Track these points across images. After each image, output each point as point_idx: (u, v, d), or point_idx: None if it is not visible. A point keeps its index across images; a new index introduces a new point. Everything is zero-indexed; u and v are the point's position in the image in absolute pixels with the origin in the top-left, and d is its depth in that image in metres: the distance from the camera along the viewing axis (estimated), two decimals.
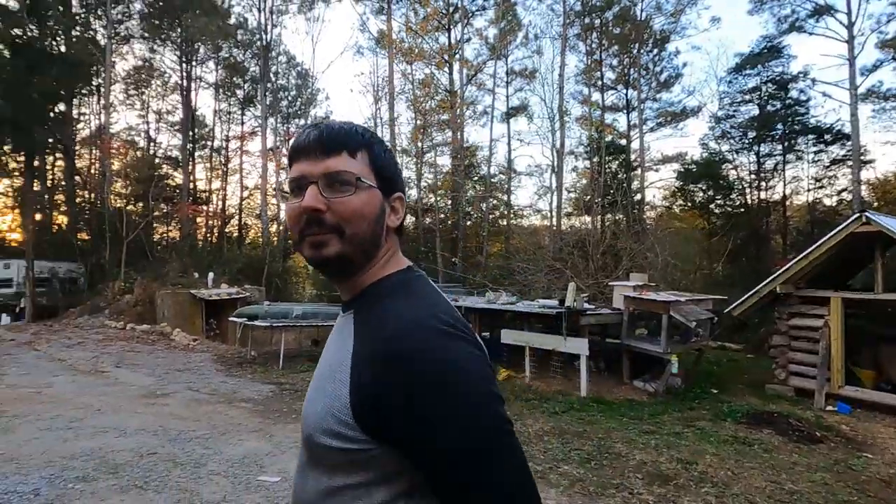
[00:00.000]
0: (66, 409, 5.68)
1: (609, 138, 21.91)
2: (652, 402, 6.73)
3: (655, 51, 22.85)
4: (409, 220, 25.92)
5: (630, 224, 14.15)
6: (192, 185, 23.88)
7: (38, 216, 22.01)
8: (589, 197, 17.22)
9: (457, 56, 22.14)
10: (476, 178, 23.97)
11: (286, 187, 0.78)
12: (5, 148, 21.62)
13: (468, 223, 22.45)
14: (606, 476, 4.10)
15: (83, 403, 5.97)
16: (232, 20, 23.96)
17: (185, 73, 24.32)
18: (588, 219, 16.31)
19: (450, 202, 21.96)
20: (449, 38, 22.76)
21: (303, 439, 0.75)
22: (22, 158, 21.61)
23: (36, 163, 21.63)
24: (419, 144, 23.11)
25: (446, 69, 22.25)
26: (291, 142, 0.80)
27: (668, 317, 6.91)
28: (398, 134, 22.93)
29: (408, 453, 0.65)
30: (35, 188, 22.45)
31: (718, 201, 20.16)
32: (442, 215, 21.61)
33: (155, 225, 22.73)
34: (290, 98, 26.61)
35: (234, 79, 26.14)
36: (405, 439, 0.65)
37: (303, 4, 24.05)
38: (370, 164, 0.77)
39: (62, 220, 25.24)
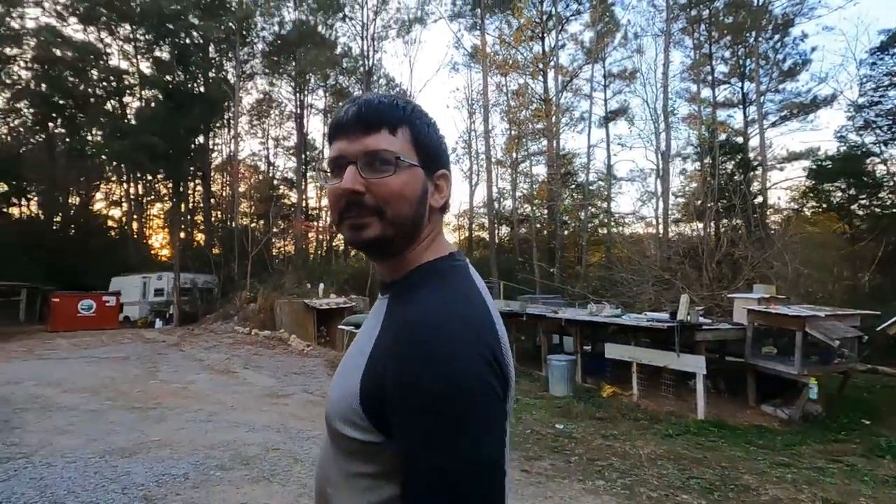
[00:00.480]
0: (205, 405, 6.45)
1: (723, 136, 20.06)
2: (785, 431, 5.95)
3: (776, 37, 20.62)
4: (505, 231, 25.93)
5: (751, 230, 12.76)
6: (304, 204, 26.12)
7: (182, 234, 25.49)
8: (701, 201, 15.85)
9: (551, 64, 21.82)
10: (573, 185, 23.29)
11: (326, 166, 0.74)
12: (159, 177, 25.43)
13: (566, 232, 21.83)
14: None
15: (218, 400, 6.74)
16: (338, 50, 26.00)
17: (298, 102, 26.83)
18: (700, 225, 15.01)
19: (546, 211, 21.54)
20: (543, 46, 22.54)
21: (326, 419, 0.73)
22: (170, 185, 25.26)
23: (180, 188, 25.14)
24: (514, 155, 23.05)
25: (540, 78, 22.03)
26: (332, 117, 0.75)
27: (803, 334, 6.09)
28: (493, 146, 23.11)
29: (395, 436, 0.63)
30: (180, 210, 26.11)
31: (862, 201, 17.43)
32: (538, 225, 21.26)
33: (273, 240, 25.12)
34: None
35: (340, 104, 28.16)
36: (395, 435, 0.62)
37: (401, 29, 25.38)
38: (412, 140, 0.72)
39: (200, 237, 28.99)
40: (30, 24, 21.06)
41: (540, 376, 8.75)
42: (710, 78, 21.61)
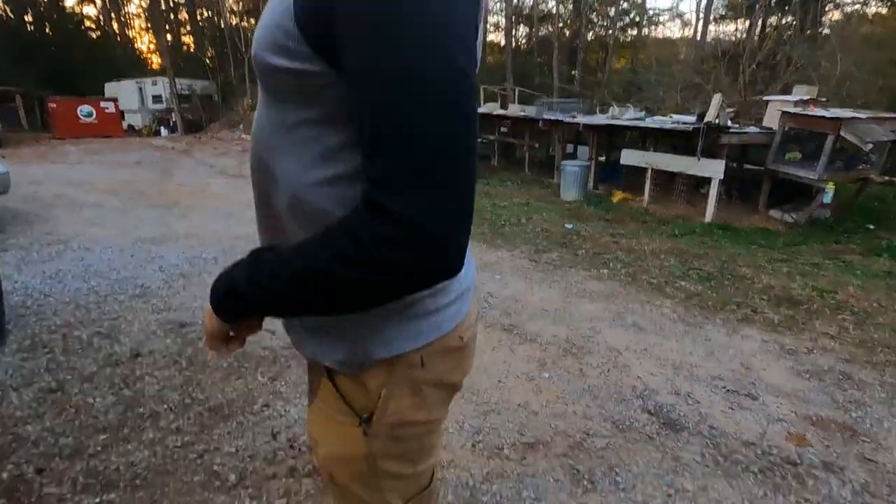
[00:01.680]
0: (224, 203, 6.63)
1: None
2: (789, 233, 6.10)
3: None
4: (523, 31, 23.21)
5: (804, 27, 11.25)
6: None
7: (168, 36, 23.27)
8: None
9: None
10: None
11: None
12: None
13: (591, 35, 19.56)
14: (727, 294, 3.95)
15: (236, 199, 6.90)
16: None
17: None
18: (746, 23, 13.23)
19: (570, 6, 18.96)
20: None
21: (254, 65, 0.60)
22: None
23: None
24: None
25: None
26: None
27: (835, 137, 5.77)
28: None
29: (343, 68, 0.50)
30: (161, 8, 23.29)
31: None
32: (560, 24, 18.92)
33: None
34: None
35: None
36: (343, 48, 0.49)
37: None
38: None
39: (188, 40, 26.57)
40: None
41: (552, 184, 8.76)
42: None
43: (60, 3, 28.83)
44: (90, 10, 30.12)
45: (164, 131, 17.46)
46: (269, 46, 0.55)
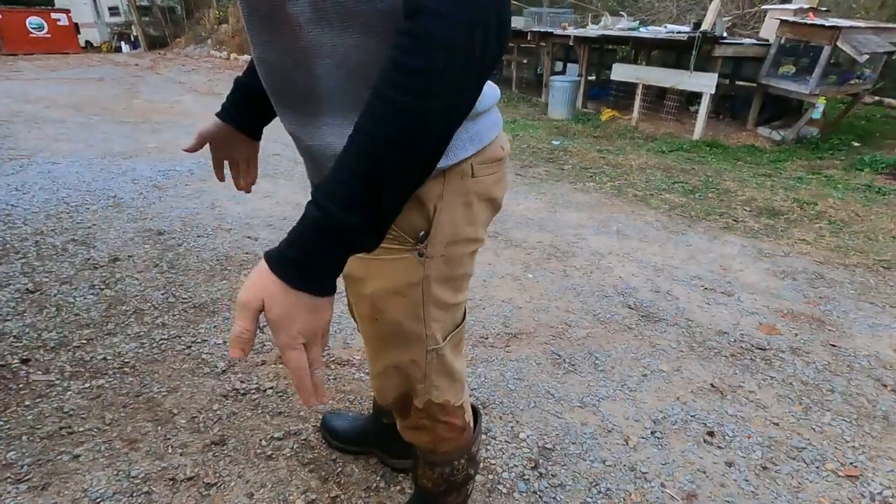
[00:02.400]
0: (196, 119, 6.30)
1: None
2: (776, 150, 6.08)
3: None
4: None
5: None
6: None
7: None
8: None
9: None
10: None
11: None
12: None
13: None
14: (711, 205, 3.98)
15: (209, 117, 6.51)
16: None
17: None
18: None
19: None
20: None
21: None
22: None
23: None
24: None
25: None
26: None
27: (832, 48, 5.60)
28: None
29: None
30: None
31: None
32: None
33: None
34: None
35: None
36: None
37: None
38: None
39: None
40: None
41: (540, 102, 8.47)
42: None
43: None
44: None
45: (125, 47, 16.20)
46: None
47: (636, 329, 2.19)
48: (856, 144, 6.42)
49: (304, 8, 0.53)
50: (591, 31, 7.21)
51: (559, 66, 9.87)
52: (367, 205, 0.48)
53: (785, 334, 2.22)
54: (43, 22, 15.11)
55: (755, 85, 6.67)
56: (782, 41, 6.20)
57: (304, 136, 0.65)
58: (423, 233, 0.65)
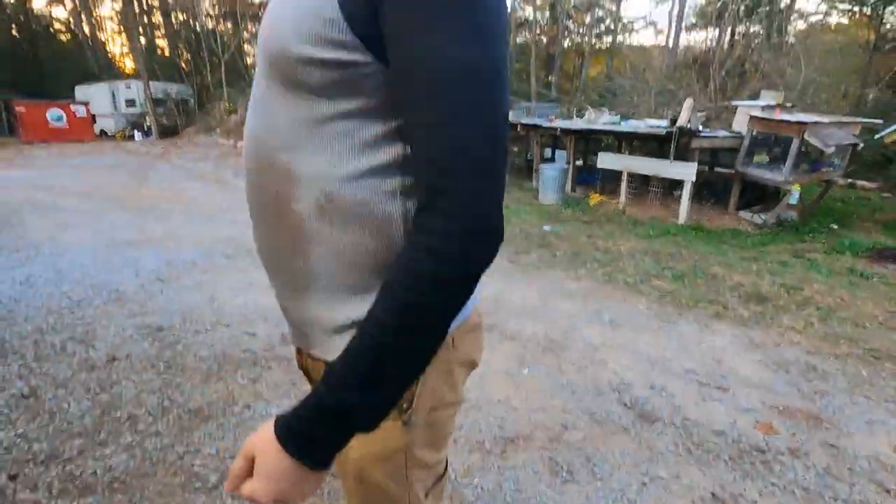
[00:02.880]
0: (202, 208, 6.55)
1: None
2: (758, 234, 6.32)
3: None
4: None
5: (770, 35, 11.69)
6: None
7: (142, 39, 22.83)
8: (721, 1, 14.15)
9: None
10: None
11: None
12: None
13: (567, 42, 19.92)
14: (700, 292, 4.08)
15: (215, 204, 6.82)
16: None
17: None
18: (716, 31, 13.67)
19: (548, 13, 19.29)
20: None
21: (268, 63, 0.59)
22: None
23: None
24: None
25: None
26: None
27: (800, 141, 6.02)
28: None
29: (389, 55, 0.52)
30: (134, 9, 22.85)
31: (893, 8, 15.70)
32: (538, 31, 19.22)
33: (246, 45, 22.74)
34: None
35: None
36: (392, 36, 0.51)
37: None
38: None
39: (163, 44, 26.11)
40: None
41: (530, 187, 8.88)
42: None
43: (28, 5, 28.04)
44: (60, 13, 29.40)
45: (138, 136, 17.09)
46: (308, 38, 0.53)
47: (633, 430, 2.18)
48: (834, 227, 6.69)
49: (309, 208, 0.61)
50: (577, 124, 7.74)
51: (548, 152, 10.47)
52: (374, 390, 0.52)
53: (783, 434, 2.21)
54: (62, 113, 16.06)
55: (733, 171, 7.07)
56: (754, 133, 6.67)
57: (291, 308, 0.70)
58: (407, 403, 0.68)
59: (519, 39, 21.40)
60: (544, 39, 19.31)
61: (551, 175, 7.69)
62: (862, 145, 6.61)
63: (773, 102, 6.94)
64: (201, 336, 2.84)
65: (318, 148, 0.59)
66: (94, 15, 28.67)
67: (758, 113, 6.59)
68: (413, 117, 0.52)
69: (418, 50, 0.49)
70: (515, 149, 10.46)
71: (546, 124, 8.41)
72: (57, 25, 29.19)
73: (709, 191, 7.80)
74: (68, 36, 28.67)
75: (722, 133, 6.96)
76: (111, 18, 30.44)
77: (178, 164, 10.98)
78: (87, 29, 28.09)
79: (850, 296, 4.13)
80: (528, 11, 21.32)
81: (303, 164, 0.59)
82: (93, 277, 3.71)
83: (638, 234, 6.14)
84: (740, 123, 6.97)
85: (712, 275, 4.55)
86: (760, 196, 7.27)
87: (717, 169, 8.38)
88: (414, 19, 0.49)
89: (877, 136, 6.79)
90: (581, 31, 19.61)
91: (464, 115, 0.49)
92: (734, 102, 7.93)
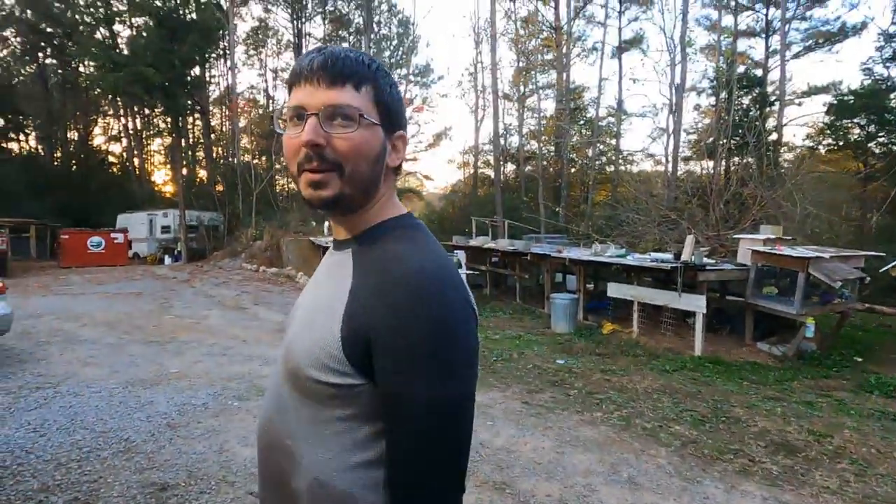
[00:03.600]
0: (219, 339, 6.70)
1: (742, 69, 19.12)
2: (779, 368, 6.16)
3: None
4: (511, 168, 25.48)
5: (763, 168, 12.50)
6: None
7: (184, 171, 25.23)
8: (713, 138, 15.41)
9: None
10: (582, 121, 22.58)
11: (284, 113, 0.74)
12: (157, 111, 24.73)
13: (572, 170, 21.45)
14: (723, 440, 3.90)
15: (232, 334, 6.98)
16: None
17: (295, 31, 25.51)
18: (710, 164, 14.68)
19: (553, 148, 21.05)
20: None
21: (285, 370, 0.75)
22: (169, 120, 24.63)
23: (179, 123, 24.55)
24: (521, 88, 22.17)
25: (552, 4, 20.67)
26: (294, 64, 0.75)
27: (805, 274, 6.14)
28: (500, 79, 22.14)
29: (379, 391, 0.67)
30: (181, 146, 25.66)
31: (881, 139, 16.87)
32: (545, 162, 20.84)
33: (277, 177, 24.88)
34: (391, 48, 26.80)
35: (340, 32, 26.88)
36: (380, 376, 0.66)
37: None
38: (374, 98, 0.72)
39: (202, 174, 28.76)
40: None
41: (542, 314, 8.96)
42: (733, 3, 20.24)
43: (89, 142, 31.67)
44: (116, 148, 33.01)
45: (167, 259, 18.07)
46: (315, 365, 0.69)
47: None
48: (858, 360, 6.50)
49: (304, 488, 0.71)
50: (584, 256, 8.05)
51: (559, 276, 10.73)
52: None
53: None
54: (102, 240, 17.27)
55: (743, 301, 7.11)
56: (759, 266, 6.84)
57: None
58: None
59: (527, 169, 23.15)
60: (551, 170, 20.85)
61: (563, 304, 7.81)
62: (869, 279, 6.70)
63: (772, 236, 7.21)
64: (205, 497, 2.77)
65: (317, 442, 0.71)
66: (145, 150, 32.15)
67: (759, 247, 6.83)
68: (392, 438, 0.67)
69: (397, 386, 0.65)
70: (527, 276, 10.76)
71: (555, 254, 8.76)
72: (111, 159, 32.62)
73: (722, 318, 7.77)
74: (119, 168, 31.84)
75: (727, 266, 7.15)
76: (159, 152, 34.01)
77: (201, 290, 11.44)
78: (136, 162, 31.30)
79: (885, 445, 3.89)
80: (534, 145, 23.33)
81: (303, 452, 0.72)
82: (105, 423, 3.73)
83: (654, 367, 6.03)
84: (744, 256, 7.19)
85: (735, 418, 4.38)
86: (775, 326, 7.21)
87: (729, 297, 8.44)
88: (395, 361, 0.65)
89: (882, 270, 6.90)
90: (584, 162, 21.21)
91: (431, 443, 0.65)
92: (735, 236, 8.25)
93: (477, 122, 27.15)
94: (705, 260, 6.98)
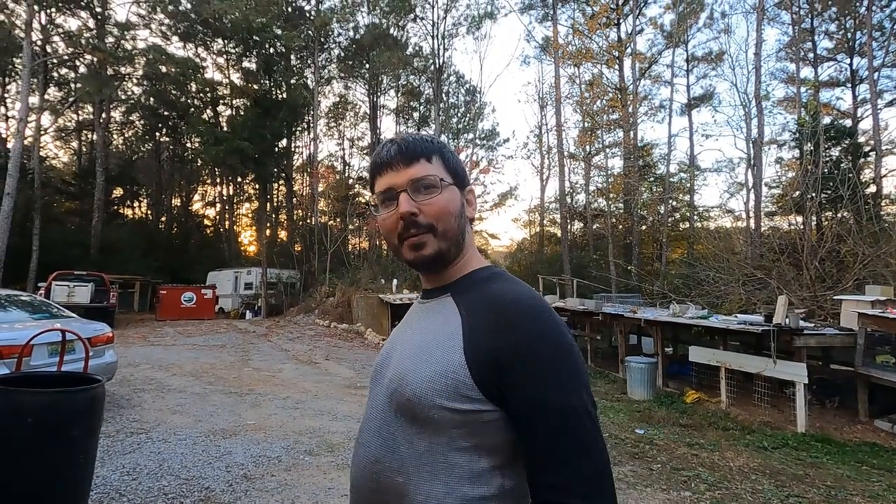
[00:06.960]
0: (292, 392, 6.92)
1: (827, 120, 18.08)
2: None
3: (893, 4, 18.18)
4: (578, 226, 25.16)
5: (862, 223, 11.42)
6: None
7: (267, 232, 27.37)
8: (800, 192, 14.40)
9: (628, 51, 20.81)
10: (652, 178, 22.10)
11: (375, 201, 0.86)
12: (248, 179, 27.42)
13: (643, 227, 20.78)
14: None
15: (304, 388, 7.19)
16: (409, 50, 26.55)
17: (371, 103, 27.76)
18: (799, 219, 13.63)
19: (622, 206, 20.63)
20: (619, 32, 21.56)
21: (397, 405, 0.77)
22: (257, 186, 27.15)
23: (266, 189, 27.00)
24: (587, 148, 22.30)
25: (616, 66, 21.07)
26: (372, 158, 0.88)
27: None
28: (566, 139, 22.47)
29: (514, 407, 0.70)
30: (266, 209, 28.05)
31: None
32: (613, 220, 20.41)
33: (350, 237, 26.25)
34: (459, 114, 28.27)
35: (411, 103, 28.91)
36: (516, 393, 0.69)
37: (471, 25, 25.36)
38: (444, 165, 0.84)
39: (283, 234, 31.01)
40: (140, 45, 23.55)
41: (617, 378, 8.44)
42: (811, 55, 19.56)
43: (189, 207, 35.50)
44: (210, 212, 36.71)
45: (248, 314, 19.26)
46: (442, 393, 0.72)
47: None
48: None
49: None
50: (662, 316, 7.60)
51: (633, 338, 10.13)
52: None
53: None
54: (194, 295, 18.85)
55: (853, 370, 6.30)
56: (869, 331, 6.09)
57: None
58: None
59: (595, 226, 22.75)
60: (620, 227, 20.36)
61: (640, 369, 7.33)
62: None
63: (882, 297, 6.45)
64: None
65: (433, 474, 0.72)
66: (235, 213, 35.43)
67: (867, 310, 6.11)
68: (538, 449, 0.68)
69: (531, 394, 0.69)
70: (598, 337, 10.29)
71: (629, 315, 8.35)
72: (206, 222, 36.21)
73: (827, 390, 6.90)
74: (212, 230, 35.20)
75: (830, 331, 6.43)
76: (246, 215, 37.30)
77: (277, 344, 11.99)
78: (227, 224, 34.48)
79: None
80: (602, 202, 23.02)
81: (416, 488, 0.72)
82: (189, 471, 3.91)
83: (749, 443, 5.40)
84: (849, 319, 6.44)
85: None
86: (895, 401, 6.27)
87: (834, 366, 7.53)
88: (529, 374, 0.69)
89: None
90: (656, 219, 20.54)
91: (584, 448, 0.67)
92: (836, 297, 7.47)
93: (542, 182, 27.49)
94: (802, 323, 6.34)
